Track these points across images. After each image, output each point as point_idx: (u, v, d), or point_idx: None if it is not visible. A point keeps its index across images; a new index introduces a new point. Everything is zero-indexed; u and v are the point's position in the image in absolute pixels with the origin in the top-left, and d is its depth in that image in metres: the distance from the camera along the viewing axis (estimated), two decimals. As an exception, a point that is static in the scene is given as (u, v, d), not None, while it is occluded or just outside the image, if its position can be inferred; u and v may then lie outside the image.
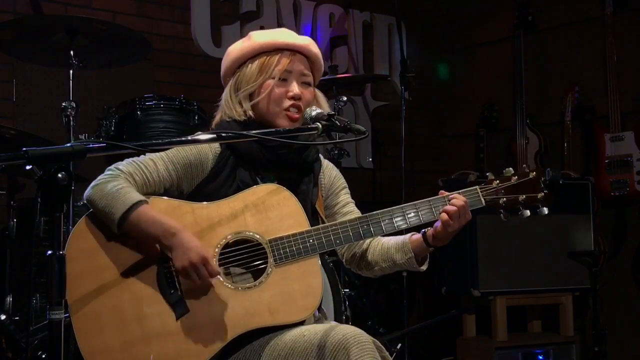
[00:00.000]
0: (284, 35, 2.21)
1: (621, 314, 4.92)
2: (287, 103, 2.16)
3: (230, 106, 2.20)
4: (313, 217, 2.19)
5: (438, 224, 2.12)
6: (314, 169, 2.25)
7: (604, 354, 4.24)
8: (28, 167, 1.55)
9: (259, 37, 2.21)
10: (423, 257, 2.22)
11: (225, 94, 2.24)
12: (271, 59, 2.17)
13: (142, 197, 1.98)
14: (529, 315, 4.68)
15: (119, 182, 1.99)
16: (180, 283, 1.98)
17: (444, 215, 2.10)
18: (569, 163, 4.97)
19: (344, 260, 2.36)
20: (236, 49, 2.23)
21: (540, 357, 4.35)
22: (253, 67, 2.18)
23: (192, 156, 2.11)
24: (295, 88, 2.16)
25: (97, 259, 1.97)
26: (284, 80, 2.17)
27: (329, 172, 2.35)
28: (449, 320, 4.61)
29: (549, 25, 5.41)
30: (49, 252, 1.56)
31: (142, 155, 2.08)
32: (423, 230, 2.18)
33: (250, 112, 2.17)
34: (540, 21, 5.37)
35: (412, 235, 2.21)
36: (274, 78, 2.16)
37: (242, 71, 2.20)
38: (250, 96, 2.19)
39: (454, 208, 2.09)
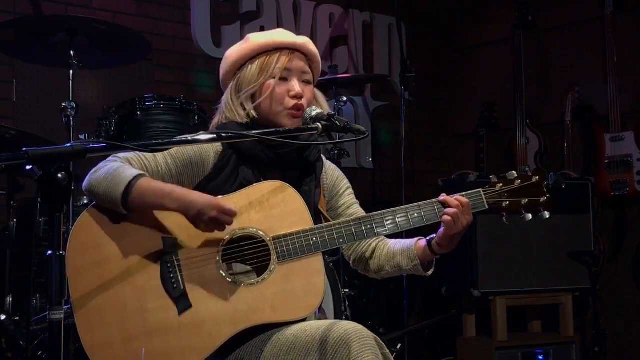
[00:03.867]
0: (282, 35, 2.23)
1: (621, 314, 4.92)
2: (290, 102, 2.16)
3: (231, 109, 2.20)
4: (316, 217, 2.19)
5: (441, 230, 2.13)
6: (316, 169, 2.25)
7: (604, 354, 4.25)
8: (28, 167, 1.55)
9: (257, 38, 2.22)
10: (429, 262, 2.23)
11: (226, 97, 2.23)
12: (271, 58, 2.18)
13: (140, 171, 1.97)
14: (529, 315, 4.68)
15: (115, 164, 1.99)
16: (183, 278, 1.99)
17: (446, 217, 2.11)
18: (569, 163, 4.97)
19: (350, 262, 2.37)
20: (234, 51, 2.23)
21: (540, 357, 4.34)
22: (253, 67, 2.19)
23: (192, 153, 2.11)
24: (296, 86, 2.17)
25: (99, 252, 1.97)
26: (284, 79, 2.18)
27: (332, 173, 2.35)
28: (449, 320, 4.61)
29: (549, 25, 5.41)
30: (49, 252, 1.56)
31: None
32: (429, 238, 2.19)
33: (254, 113, 2.18)
34: (540, 21, 5.36)
35: (419, 240, 2.22)
36: (274, 77, 2.16)
37: (243, 73, 2.20)
38: (252, 97, 2.19)
39: (454, 210, 2.10)
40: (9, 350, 3.14)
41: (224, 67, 2.25)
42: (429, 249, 2.18)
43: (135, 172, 1.96)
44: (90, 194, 2.00)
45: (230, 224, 1.96)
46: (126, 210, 1.95)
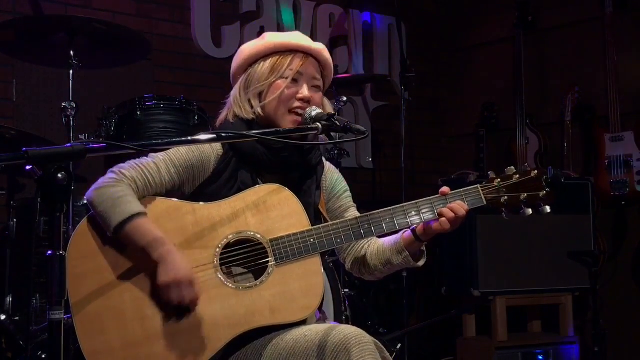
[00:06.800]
0: (298, 38, 2.22)
1: (621, 314, 4.92)
2: (296, 104, 2.16)
3: (239, 104, 2.20)
4: (316, 219, 2.19)
5: (433, 223, 2.13)
6: (317, 171, 2.25)
7: (604, 354, 4.24)
8: (28, 167, 1.55)
9: (273, 37, 2.22)
10: (420, 252, 2.23)
11: (235, 92, 2.24)
12: (284, 59, 2.17)
13: (141, 209, 1.97)
14: (529, 315, 4.68)
15: (121, 189, 1.98)
16: None
17: (443, 220, 2.11)
18: (569, 163, 4.97)
19: (347, 266, 2.37)
20: (249, 47, 2.23)
21: (540, 357, 4.35)
22: (265, 65, 2.18)
23: (194, 158, 2.10)
24: (305, 90, 2.16)
25: (99, 259, 1.97)
26: (294, 81, 2.17)
27: (331, 175, 2.35)
28: (449, 320, 4.61)
29: (549, 25, 5.41)
30: (49, 252, 1.57)
31: (144, 157, 2.07)
32: (412, 227, 2.17)
33: (259, 111, 2.17)
34: (540, 21, 5.37)
35: (404, 232, 2.21)
36: (285, 78, 2.16)
37: (254, 69, 2.20)
38: (260, 95, 2.19)
39: (452, 215, 2.10)
40: (9, 350, 3.13)
41: (236, 61, 2.25)
42: (415, 237, 2.17)
43: (137, 209, 1.95)
44: (89, 205, 2.00)
45: (185, 299, 1.93)
46: (114, 236, 1.95)
